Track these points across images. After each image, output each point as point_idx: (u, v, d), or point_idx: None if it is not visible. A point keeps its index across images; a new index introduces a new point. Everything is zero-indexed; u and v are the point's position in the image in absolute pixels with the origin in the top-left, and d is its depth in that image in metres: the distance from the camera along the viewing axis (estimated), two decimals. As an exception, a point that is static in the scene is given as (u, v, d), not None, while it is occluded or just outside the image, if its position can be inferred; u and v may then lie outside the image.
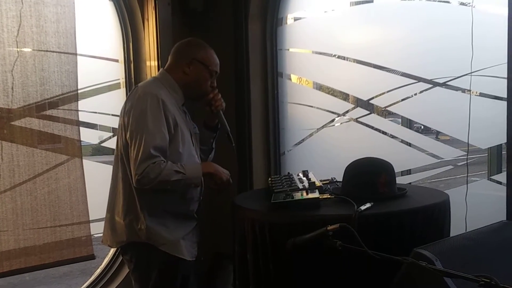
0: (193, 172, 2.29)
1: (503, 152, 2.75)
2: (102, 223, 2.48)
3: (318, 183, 2.46)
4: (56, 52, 3.40)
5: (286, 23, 3.75)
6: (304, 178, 2.55)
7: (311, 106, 3.65)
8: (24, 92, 3.29)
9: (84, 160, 3.55)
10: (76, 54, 3.48)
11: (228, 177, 2.40)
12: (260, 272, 2.26)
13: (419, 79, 3.01)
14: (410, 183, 3.04)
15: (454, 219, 2.40)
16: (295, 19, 3.77)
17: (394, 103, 3.18)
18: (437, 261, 1.70)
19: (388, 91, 3.18)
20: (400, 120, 3.55)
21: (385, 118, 3.36)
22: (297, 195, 2.28)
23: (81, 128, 3.56)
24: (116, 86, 3.82)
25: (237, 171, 3.50)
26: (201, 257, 2.50)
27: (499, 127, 2.60)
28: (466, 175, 2.83)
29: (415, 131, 3.35)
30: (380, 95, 3.25)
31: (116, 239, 2.38)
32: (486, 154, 3.04)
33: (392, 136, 3.30)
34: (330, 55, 3.57)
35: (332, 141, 3.53)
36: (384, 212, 2.14)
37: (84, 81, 3.55)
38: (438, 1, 3.06)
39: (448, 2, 3.08)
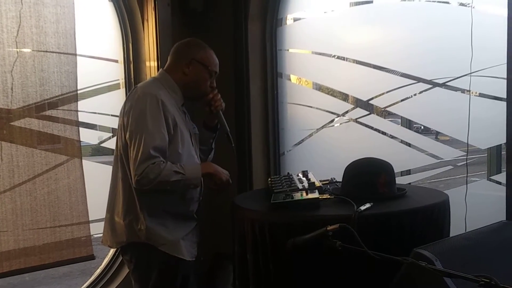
0: (193, 172, 2.30)
1: (502, 153, 2.75)
2: (102, 223, 2.48)
3: (317, 183, 2.46)
4: (55, 52, 3.40)
5: (286, 23, 3.75)
6: (304, 179, 2.55)
7: (311, 107, 3.66)
8: (23, 92, 3.29)
9: (83, 161, 3.55)
10: (75, 55, 3.48)
11: (228, 178, 2.40)
12: (260, 272, 2.26)
13: (419, 80, 3.01)
14: (409, 183, 3.04)
15: (453, 219, 2.40)
16: (295, 20, 3.77)
17: (394, 104, 3.18)
18: (437, 261, 1.70)
19: (387, 92, 3.18)
20: (399, 120, 3.55)
21: (384, 118, 3.36)
22: (297, 195, 2.28)
23: (81, 129, 3.56)
24: (115, 87, 3.82)
25: (237, 171, 3.51)
26: (201, 257, 2.50)
27: (498, 127, 2.60)
28: (465, 175, 2.83)
29: (415, 131, 3.35)
30: (379, 95, 3.25)
31: (116, 240, 2.38)
32: (486, 155, 3.04)
33: (392, 137, 3.30)
34: (330, 55, 3.57)
35: (331, 142, 3.53)
36: (384, 212, 2.14)
37: (83, 82, 3.55)
38: (438, 2, 3.07)
39: (448, 2, 3.08)
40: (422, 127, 3.51)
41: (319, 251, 1.77)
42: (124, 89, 3.78)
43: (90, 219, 3.56)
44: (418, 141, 3.15)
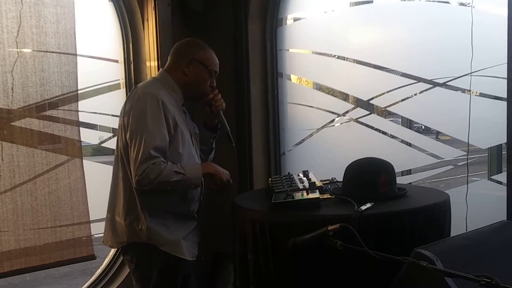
0: (193, 172, 2.30)
1: (503, 152, 2.75)
2: (103, 223, 2.48)
3: (318, 183, 2.46)
4: (56, 52, 3.40)
5: (286, 23, 3.75)
6: (305, 178, 2.55)
7: (311, 106, 3.65)
8: (24, 92, 3.29)
9: (84, 161, 3.55)
10: (76, 55, 3.48)
11: (228, 178, 2.40)
12: (261, 272, 2.26)
13: (419, 79, 3.01)
14: (410, 183, 3.04)
15: (454, 219, 2.40)
16: (295, 20, 3.77)
17: (394, 103, 3.18)
18: (438, 261, 1.70)
19: (388, 91, 3.18)
20: (400, 120, 3.55)
21: (385, 118, 3.36)
22: (298, 195, 2.28)
23: (81, 129, 3.56)
24: (116, 87, 3.82)
25: (237, 171, 3.51)
26: (202, 257, 2.50)
27: (499, 127, 2.60)
28: (466, 175, 2.83)
29: (415, 131, 3.35)
30: (380, 95, 3.25)
31: (117, 240, 2.38)
32: (486, 154, 3.04)
33: (392, 136, 3.30)
34: (330, 55, 3.57)
35: (332, 141, 3.53)
36: (384, 212, 2.14)
37: (84, 82, 3.55)
38: (438, 2, 3.06)
39: (448, 2, 3.08)
40: (423, 127, 3.51)
41: (320, 251, 1.77)
42: (124, 89, 3.78)
43: (90, 219, 3.56)
44: (418, 141, 3.15)
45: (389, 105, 3.19)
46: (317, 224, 1.85)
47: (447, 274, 1.53)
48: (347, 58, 3.47)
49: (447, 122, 2.98)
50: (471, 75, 2.75)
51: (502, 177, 2.67)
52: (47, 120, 3.39)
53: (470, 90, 2.79)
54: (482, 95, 2.83)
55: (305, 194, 2.29)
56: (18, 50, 3.27)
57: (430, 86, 2.97)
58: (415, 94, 3.09)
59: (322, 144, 3.58)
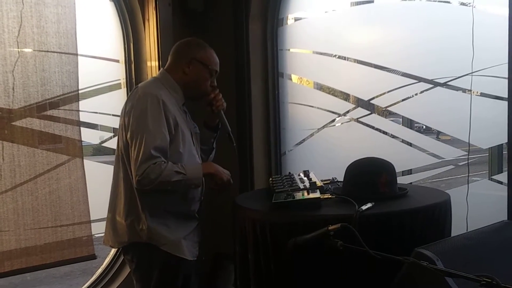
0: (194, 172, 2.30)
1: (504, 152, 2.75)
2: (103, 223, 2.48)
3: (319, 183, 2.46)
4: (57, 52, 3.40)
5: (287, 23, 3.75)
6: (305, 178, 2.55)
7: (312, 106, 3.65)
8: (25, 92, 3.29)
9: (85, 160, 3.55)
10: (77, 55, 3.48)
11: (229, 178, 2.40)
12: (261, 272, 2.26)
13: (420, 79, 3.01)
14: (411, 183, 3.04)
15: (455, 219, 2.39)
16: (296, 19, 3.77)
17: (395, 103, 3.18)
18: (438, 261, 1.70)
19: (388, 91, 3.18)
20: (401, 120, 3.55)
21: (385, 118, 3.37)
22: (298, 195, 2.28)
23: (82, 128, 3.56)
24: (116, 87, 3.82)
25: (238, 171, 3.51)
26: (203, 257, 2.50)
27: (500, 127, 2.60)
28: (467, 175, 2.83)
29: (416, 131, 3.35)
30: (380, 95, 3.25)
31: (118, 240, 2.39)
32: (487, 154, 3.04)
33: (393, 136, 3.30)
34: (331, 55, 3.57)
35: (333, 141, 3.53)
36: (385, 212, 2.14)
37: (85, 82, 3.55)
38: (439, 1, 3.06)
39: (449, 2, 3.08)
40: (424, 126, 3.51)
41: (320, 251, 1.77)
42: (125, 89, 3.79)
43: (91, 219, 3.56)
44: (419, 141, 3.14)
45: (389, 105, 3.19)
46: (317, 224, 1.85)
47: (447, 274, 1.53)
48: (348, 58, 3.47)
49: (448, 122, 2.98)
50: (472, 75, 2.75)
51: (503, 177, 2.67)
52: (48, 120, 3.39)
53: (471, 90, 2.79)
54: (483, 95, 2.83)
55: (305, 194, 2.29)
56: (19, 50, 3.27)
57: (431, 86, 2.97)
58: (416, 94, 3.09)
59: (322, 144, 3.58)
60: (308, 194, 2.28)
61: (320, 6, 3.66)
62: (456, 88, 2.89)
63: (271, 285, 2.23)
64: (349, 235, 1.68)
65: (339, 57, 3.53)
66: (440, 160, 3.04)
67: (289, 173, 2.78)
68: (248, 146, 3.70)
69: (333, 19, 3.60)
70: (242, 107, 3.67)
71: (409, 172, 3.17)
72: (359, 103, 3.36)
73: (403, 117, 3.46)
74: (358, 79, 3.37)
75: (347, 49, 3.44)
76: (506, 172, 2.57)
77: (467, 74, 2.77)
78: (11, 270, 3.32)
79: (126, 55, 3.76)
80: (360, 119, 3.34)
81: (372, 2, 3.43)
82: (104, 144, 3.84)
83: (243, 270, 2.40)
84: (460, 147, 2.94)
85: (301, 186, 2.43)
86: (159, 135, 2.20)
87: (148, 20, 3.63)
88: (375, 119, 3.29)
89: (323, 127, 3.56)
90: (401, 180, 2.75)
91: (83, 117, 3.58)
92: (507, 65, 2.49)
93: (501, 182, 2.75)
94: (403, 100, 3.15)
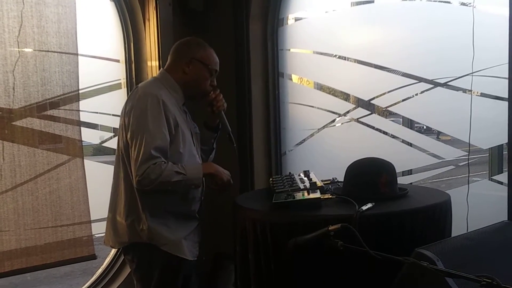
0: (194, 173, 2.30)
1: (504, 152, 2.75)
2: (104, 223, 2.48)
3: (319, 183, 2.46)
4: (57, 52, 3.40)
5: (287, 23, 3.75)
6: (305, 178, 2.55)
7: (312, 106, 3.65)
8: (25, 92, 3.29)
9: (85, 160, 3.55)
10: (77, 54, 3.48)
11: (229, 178, 2.40)
12: (262, 272, 2.26)
13: (420, 79, 3.01)
14: (411, 183, 3.04)
15: (455, 219, 2.39)
16: (296, 19, 3.77)
17: (395, 103, 3.17)
18: (439, 261, 1.71)
19: (389, 91, 3.18)
20: (401, 120, 3.55)
21: (386, 118, 3.36)
22: (299, 195, 2.28)
23: (82, 128, 3.56)
24: (117, 86, 3.82)
25: (238, 171, 3.51)
26: (203, 257, 2.50)
27: (500, 127, 2.60)
28: (467, 175, 2.83)
29: (416, 131, 3.35)
30: (381, 95, 3.25)
31: (118, 240, 2.39)
32: (487, 154, 3.04)
33: (393, 136, 3.30)
34: (331, 55, 3.57)
35: (333, 141, 3.53)
36: (385, 212, 2.14)
37: (85, 81, 3.55)
38: (439, 1, 3.06)
39: (449, 2, 3.07)
40: (424, 127, 3.51)
41: (321, 251, 1.77)
42: (125, 88, 3.79)
43: (91, 219, 3.56)
44: (419, 141, 3.14)
45: (390, 105, 3.19)
46: (318, 224, 1.85)
47: (448, 274, 1.53)
48: (348, 58, 3.47)
49: (448, 122, 2.98)
50: (472, 75, 2.75)
51: (503, 177, 2.67)
52: (48, 119, 3.39)
53: (471, 90, 2.79)
54: (483, 95, 2.83)
55: (306, 194, 2.29)
56: (20, 49, 3.27)
57: (431, 86, 2.97)
58: (416, 94, 3.09)
59: (323, 144, 3.58)
60: (309, 194, 2.28)
61: (321, 6, 3.66)
62: (457, 88, 2.89)
63: (272, 285, 2.24)
64: (349, 235, 1.68)
65: (340, 57, 3.53)
66: (441, 160, 3.04)
67: (289, 173, 2.78)
68: (248, 146, 3.70)
69: (333, 19, 3.60)
70: (242, 107, 3.67)
71: (409, 172, 3.17)
72: (359, 103, 3.36)
73: (403, 117, 3.45)
74: (358, 79, 3.37)
75: (347, 49, 3.44)
76: (507, 173, 2.57)
77: (467, 74, 2.77)
78: (11, 270, 3.32)
79: (127, 55, 3.76)
80: (360, 119, 3.34)
81: (372, 2, 3.43)
82: (104, 144, 3.84)
83: (244, 270, 2.40)
84: (460, 148, 2.93)
85: (302, 186, 2.42)
86: (159, 135, 2.20)
87: (149, 19, 3.63)
88: (375, 119, 3.29)
89: (324, 127, 3.56)
90: (402, 180, 2.75)
91: (84, 117, 3.58)
92: (507, 65, 2.49)
93: (501, 183, 2.75)
94: (403, 100, 3.15)
